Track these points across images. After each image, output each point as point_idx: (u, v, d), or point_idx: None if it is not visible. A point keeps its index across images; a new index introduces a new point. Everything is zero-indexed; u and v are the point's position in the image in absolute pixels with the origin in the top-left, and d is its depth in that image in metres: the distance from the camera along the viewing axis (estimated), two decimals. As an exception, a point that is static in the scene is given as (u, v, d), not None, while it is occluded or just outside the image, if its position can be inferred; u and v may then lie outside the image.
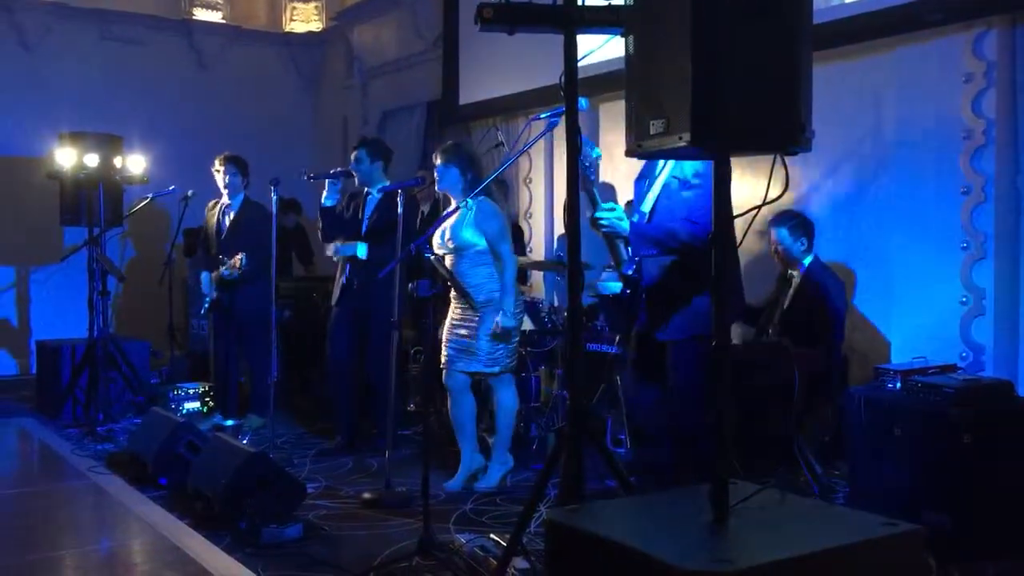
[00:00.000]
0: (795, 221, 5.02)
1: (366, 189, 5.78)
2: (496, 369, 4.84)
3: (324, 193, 5.73)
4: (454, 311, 4.94)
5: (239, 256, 6.10)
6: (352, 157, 5.75)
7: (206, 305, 6.50)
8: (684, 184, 3.82)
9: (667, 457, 4.11)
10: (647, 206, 3.95)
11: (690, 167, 3.79)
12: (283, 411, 6.70)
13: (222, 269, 6.24)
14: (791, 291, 5.05)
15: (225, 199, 6.48)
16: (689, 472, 3.93)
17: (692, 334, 3.77)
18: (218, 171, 6.42)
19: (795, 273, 5.06)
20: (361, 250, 5.64)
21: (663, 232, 3.77)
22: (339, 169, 5.72)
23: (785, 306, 5.05)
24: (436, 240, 4.87)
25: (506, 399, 4.93)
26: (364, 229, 5.70)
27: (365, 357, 5.75)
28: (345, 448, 5.77)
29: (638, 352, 4.14)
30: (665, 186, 3.90)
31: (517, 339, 4.97)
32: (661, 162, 3.92)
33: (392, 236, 5.48)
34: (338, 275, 5.87)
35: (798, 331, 4.87)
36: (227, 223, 6.45)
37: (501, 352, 4.83)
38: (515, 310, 4.84)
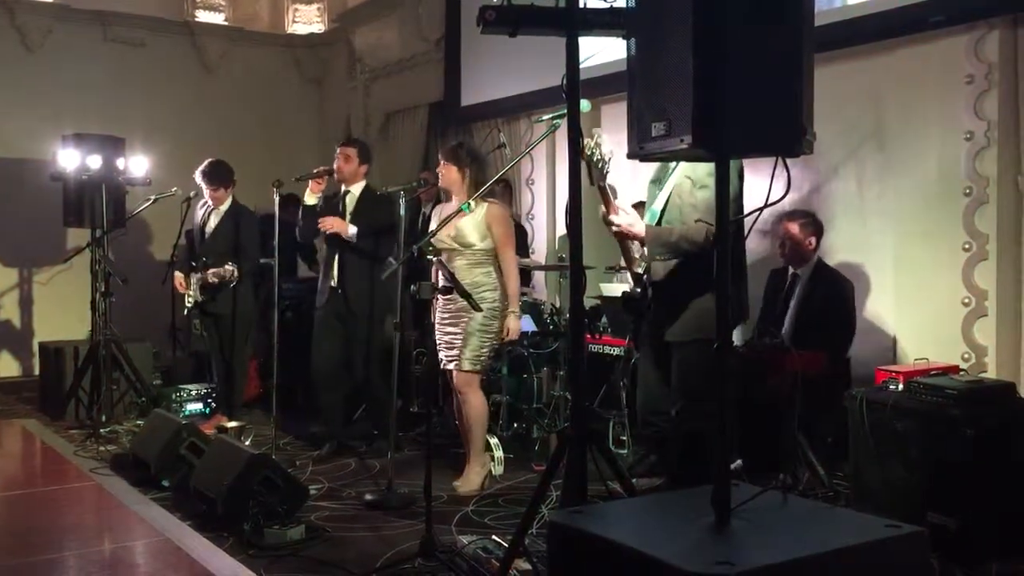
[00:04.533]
0: (808, 219, 5.06)
1: (344, 187, 5.74)
2: (477, 367, 4.85)
3: (307, 192, 5.70)
4: (443, 310, 4.92)
5: (230, 268, 6.08)
6: (339, 153, 5.71)
7: (188, 306, 6.49)
8: (696, 185, 3.82)
9: (672, 458, 4.11)
10: (659, 205, 3.96)
11: (704, 167, 3.78)
12: (285, 413, 6.69)
13: (209, 275, 6.20)
14: (799, 291, 5.04)
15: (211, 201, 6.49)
16: (693, 473, 3.93)
17: (698, 335, 3.77)
18: (200, 185, 6.41)
19: (800, 272, 5.06)
20: (351, 230, 5.58)
21: (677, 237, 3.78)
22: (322, 168, 5.68)
23: (794, 306, 5.05)
24: (443, 236, 4.85)
25: (477, 403, 4.91)
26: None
27: (356, 359, 5.75)
28: (336, 454, 5.73)
29: (646, 352, 4.14)
30: (677, 186, 3.90)
31: (497, 342, 4.93)
32: (673, 162, 3.91)
33: (382, 237, 5.52)
34: (323, 276, 5.80)
35: (811, 331, 4.87)
36: (211, 226, 6.45)
37: (485, 352, 4.85)
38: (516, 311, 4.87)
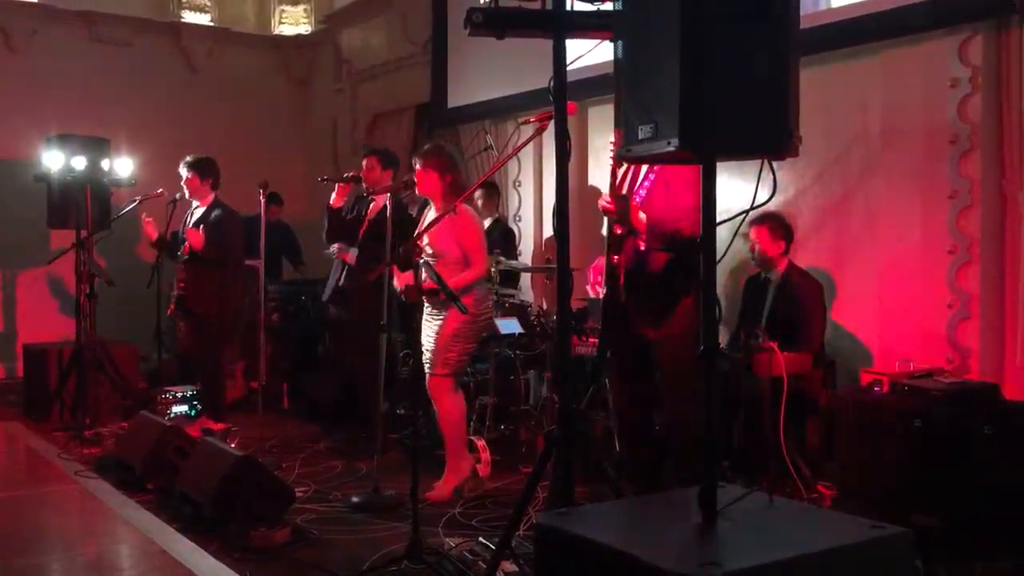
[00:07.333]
0: (776, 222, 5.03)
1: (369, 194, 5.82)
2: (446, 371, 4.80)
3: (333, 194, 5.79)
4: (428, 311, 4.90)
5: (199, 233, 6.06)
6: (364, 164, 5.85)
7: (173, 307, 6.47)
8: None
9: (654, 458, 4.12)
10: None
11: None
12: (271, 415, 6.67)
13: (179, 255, 6.21)
14: (770, 294, 5.05)
15: (195, 202, 6.44)
16: (675, 473, 3.94)
17: (676, 332, 3.77)
18: (182, 176, 6.37)
19: (771, 276, 5.07)
20: (352, 255, 5.79)
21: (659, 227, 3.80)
22: (351, 173, 5.81)
23: (767, 309, 5.06)
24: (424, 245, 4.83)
25: (449, 405, 4.84)
26: (363, 232, 5.79)
27: (350, 357, 5.80)
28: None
29: (623, 350, 4.14)
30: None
31: (473, 345, 4.92)
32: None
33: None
34: (333, 272, 5.96)
35: (784, 333, 4.88)
36: (191, 224, 6.40)
37: (455, 355, 4.80)
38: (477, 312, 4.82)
